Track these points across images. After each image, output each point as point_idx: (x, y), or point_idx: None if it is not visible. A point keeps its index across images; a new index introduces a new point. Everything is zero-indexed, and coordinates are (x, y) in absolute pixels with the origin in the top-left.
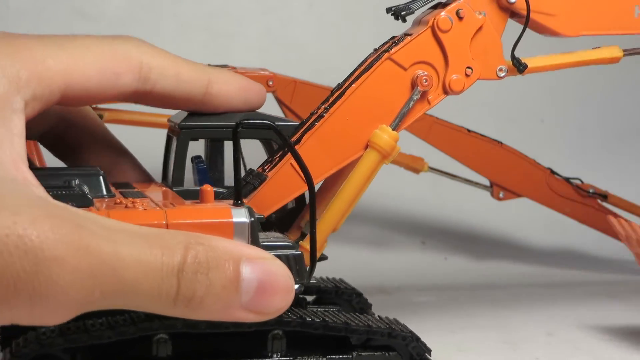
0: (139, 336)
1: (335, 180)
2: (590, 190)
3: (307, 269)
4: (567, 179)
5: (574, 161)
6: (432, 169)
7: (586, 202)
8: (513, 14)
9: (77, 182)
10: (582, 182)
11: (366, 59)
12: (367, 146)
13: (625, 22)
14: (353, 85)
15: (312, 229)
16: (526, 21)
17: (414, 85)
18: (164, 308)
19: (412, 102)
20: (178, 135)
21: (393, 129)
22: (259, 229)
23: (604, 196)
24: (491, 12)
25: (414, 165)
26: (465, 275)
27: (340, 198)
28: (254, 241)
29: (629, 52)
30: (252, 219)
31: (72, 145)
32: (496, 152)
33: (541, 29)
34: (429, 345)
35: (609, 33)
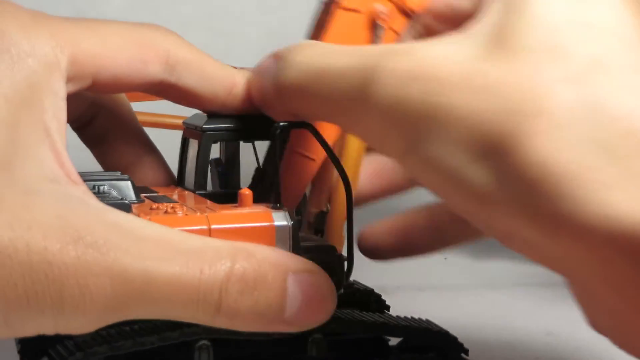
0: (181, 342)
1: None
2: None
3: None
4: None
5: None
6: None
7: None
8: None
9: (106, 187)
10: None
11: (317, 17)
12: None
13: None
14: None
15: (349, 231)
16: None
17: (374, 24)
18: (201, 320)
19: (378, 41)
20: (200, 138)
21: None
22: (299, 231)
23: None
24: None
25: None
26: (465, 275)
27: (339, 187)
28: (295, 244)
29: None
30: (293, 222)
31: (99, 132)
32: None
33: None
34: None
35: None
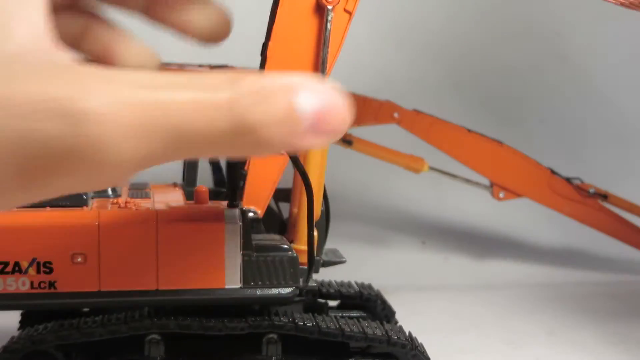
0: (132, 336)
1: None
2: (591, 190)
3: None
4: (568, 179)
5: (574, 161)
6: (432, 169)
7: (586, 202)
8: None
9: None
10: (582, 182)
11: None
12: None
13: None
14: (269, 43)
15: (310, 230)
16: None
17: (322, 7)
18: (226, 146)
19: (329, 24)
20: None
21: (324, 74)
22: (257, 229)
23: (605, 196)
24: None
25: (414, 165)
26: (465, 275)
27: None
28: (246, 242)
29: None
30: (246, 220)
31: None
32: (496, 152)
33: None
34: (429, 345)
35: None
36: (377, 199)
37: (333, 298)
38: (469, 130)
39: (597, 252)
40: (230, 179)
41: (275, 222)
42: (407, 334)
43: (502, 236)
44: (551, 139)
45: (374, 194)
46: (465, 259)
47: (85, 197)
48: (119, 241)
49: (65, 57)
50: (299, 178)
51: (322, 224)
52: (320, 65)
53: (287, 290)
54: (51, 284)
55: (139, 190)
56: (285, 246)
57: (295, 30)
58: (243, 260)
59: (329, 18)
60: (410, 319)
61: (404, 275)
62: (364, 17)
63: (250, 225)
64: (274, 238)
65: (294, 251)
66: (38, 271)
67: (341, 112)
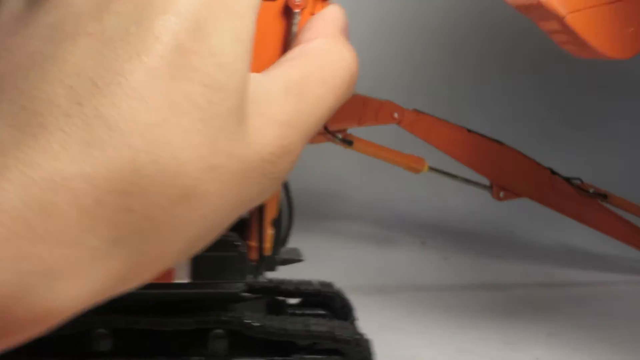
0: (79, 332)
1: None
2: (591, 190)
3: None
4: (567, 179)
5: (574, 161)
6: (432, 169)
7: (586, 202)
8: None
9: None
10: (582, 181)
11: None
12: None
13: None
14: None
15: (260, 226)
16: None
17: (288, 11)
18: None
19: (295, 27)
20: None
21: None
22: None
23: (604, 196)
24: None
25: (414, 165)
26: (465, 275)
27: None
28: None
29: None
30: None
31: None
32: (496, 152)
33: None
34: (429, 345)
35: None
36: (377, 199)
37: (292, 296)
38: (469, 130)
39: (596, 253)
40: None
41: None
42: (355, 330)
43: (502, 236)
44: (551, 139)
45: (374, 194)
46: (465, 259)
47: None
48: None
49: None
50: None
51: (281, 223)
52: None
53: (236, 286)
54: None
55: None
56: (236, 243)
57: (261, 31)
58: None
59: (295, 21)
60: (410, 318)
61: (404, 275)
62: (364, 16)
63: None
64: (225, 235)
65: (245, 248)
66: None
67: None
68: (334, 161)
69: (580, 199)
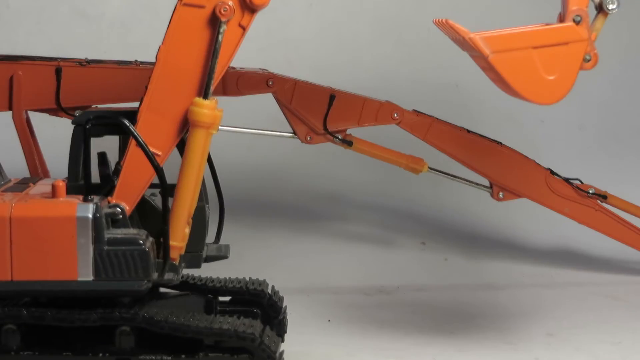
0: None
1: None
2: (590, 191)
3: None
4: (567, 180)
5: (574, 161)
6: (431, 170)
7: (586, 203)
8: None
9: None
10: (581, 182)
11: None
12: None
13: None
14: (161, 46)
15: (165, 225)
16: None
17: (216, 21)
18: None
19: (220, 36)
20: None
21: (207, 86)
22: (122, 223)
23: (604, 197)
24: None
25: (413, 165)
26: (465, 275)
27: (183, 183)
28: (98, 235)
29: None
30: (97, 214)
31: None
32: (496, 152)
33: None
34: (429, 345)
35: None
36: (377, 199)
37: (222, 294)
38: (469, 131)
39: (596, 253)
40: (85, 173)
41: (157, 219)
42: (260, 328)
43: (502, 236)
44: (551, 139)
45: (374, 195)
46: (465, 259)
47: None
48: None
49: None
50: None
51: (200, 221)
52: (206, 77)
53: (139, 283)
54: None
55: (23, 184)
56: (140, 241)
57: (187, 38)
58: (95, 253)
59: (221, 30)
60: (410, 318)
61: (404, 275)
62: (364, 17)
63: (106, 219)
64: (132, 232)
65: (147, 246)
66: None
67: None
68: (334, 162)
69: (580, 200)
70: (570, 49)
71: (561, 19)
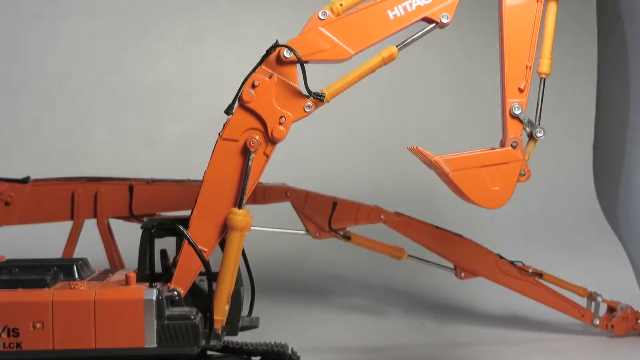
0: None
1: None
2: (530, 270)
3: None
4: (512, 262)
5: (517, 247)
6: (410, 256)
7: (527, 279)
8: (295, 61)
9: (54, 269)
10: (523, 264)
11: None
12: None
13: (384, 27)
14: (206, 169)
15: (210, 304)
16: (302, 67)
17: (246, 151)
18: None
19: (250, 162)
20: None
21: (241, 199)
22: (178, 303)
23: (540, 274)
24: (277, 70)
25: (396, 253)
26: (438, 336)
27: (223, 272)
28: (160, 313)
29: (401, 45)
30: (160, 297)
31: None
32: (458, 243)
33: (323, 61)
34: None
35: (375, 42)
36: (370, 278)
37: (254, 354)
38: (437, 227)
39: (538, 317)
40: (150, 266)
41: (204, 299)
42: None
43: (465, 305)
44: (498, 231)
45: (368, 275)
46: (438, 324)
47: (46, 279)
48: (68, 312)
49: None
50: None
51: (236, 299)
52: (240, 192)
53: (191, 348)
54: (17, 345)
55: (104, 274)
56: (192, 316)
57: (225, 163)
58: (158, 326)
59: (251, 158)
60: None
61: (391, 337)
62: (358, 138)
63: (166, 301)
64: (186, 310)
65: (197, 320)
66: (8, 335)
67: None
68: (333, 252)
69: (522, 277)
70: (509, 167)
71: (502, 144)
